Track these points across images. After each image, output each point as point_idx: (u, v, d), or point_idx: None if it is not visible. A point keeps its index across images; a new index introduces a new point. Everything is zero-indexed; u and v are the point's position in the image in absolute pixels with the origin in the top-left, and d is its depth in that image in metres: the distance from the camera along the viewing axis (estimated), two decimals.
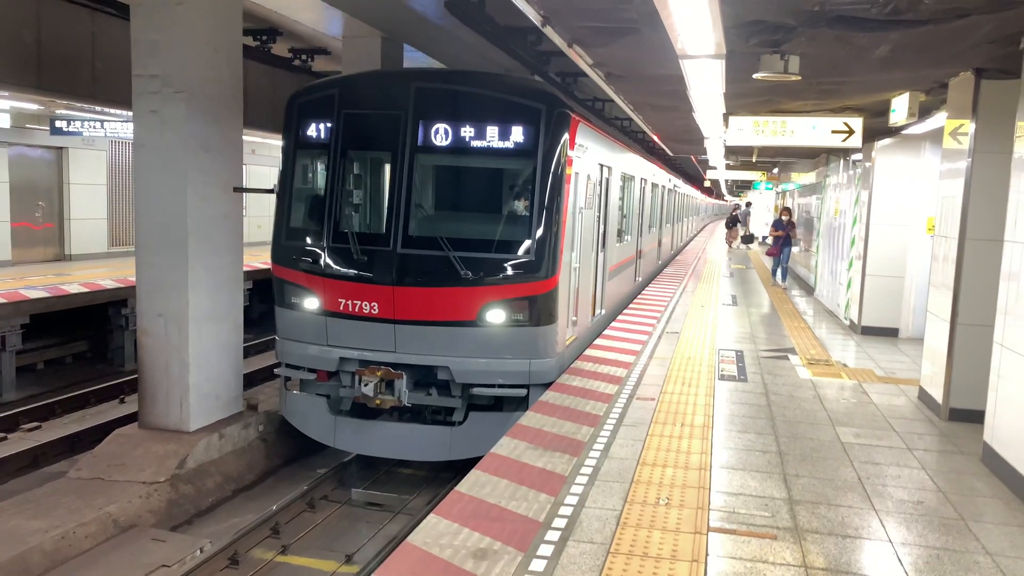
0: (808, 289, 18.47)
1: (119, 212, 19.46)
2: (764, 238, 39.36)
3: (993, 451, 6.07)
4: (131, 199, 15.41)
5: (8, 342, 11.99)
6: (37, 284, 13.64)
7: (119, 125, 15.97)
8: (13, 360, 12.23)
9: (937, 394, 7.71)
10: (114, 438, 8.26)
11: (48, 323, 13.26)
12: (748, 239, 35.91)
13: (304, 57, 14.54)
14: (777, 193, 31.16)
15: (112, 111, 14.86)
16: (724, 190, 55.90)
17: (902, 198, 11.93)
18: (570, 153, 8.30)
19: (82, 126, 16.10)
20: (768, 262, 22.07)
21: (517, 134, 7.99)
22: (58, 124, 16.15)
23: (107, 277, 14.86)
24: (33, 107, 15.32)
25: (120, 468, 7.74)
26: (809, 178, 20.78)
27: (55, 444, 9.68)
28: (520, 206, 8.21)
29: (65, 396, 11.57)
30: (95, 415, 11.08)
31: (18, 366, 12.43)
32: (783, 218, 19.20)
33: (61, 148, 17.88)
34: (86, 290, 13.38)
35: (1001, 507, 5.40)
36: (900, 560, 4.51)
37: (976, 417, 6.78)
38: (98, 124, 16.06)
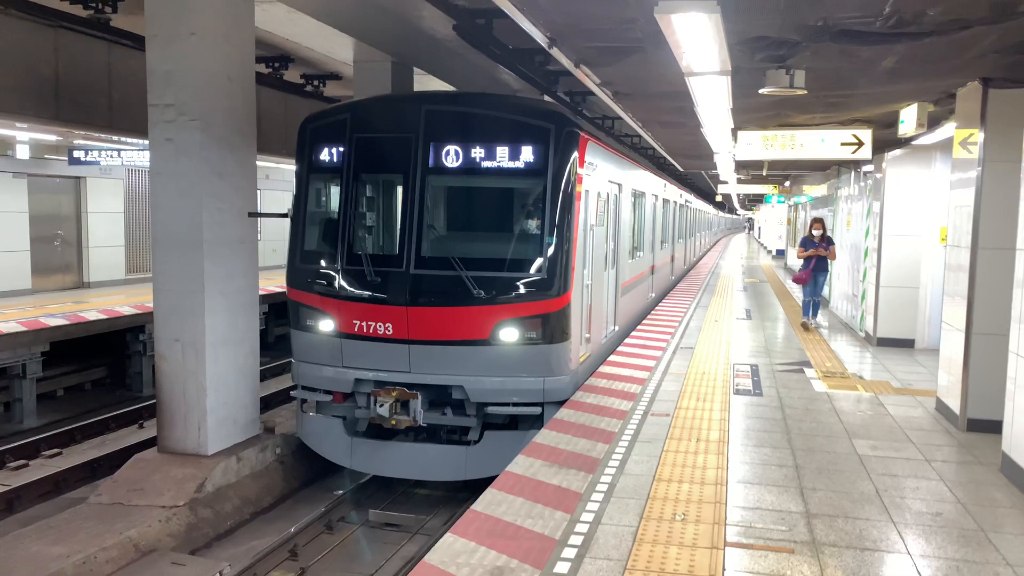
0: (823, 301, 18.38)
1: (136, 239, 19.71)
2: (778, 251, 39.22)
3: (1012, 461, 6.02)
4: (148, 226, 15.61)
5: (28, 370, 12.14)
6: (56, 311, 13.82)
7: (135, 154, 16.23)
8: (34, 387, 12.37)
9: (954, 405, 7.66)
10: (133, 463, 8.34)
11: (67, 350, 13.41)
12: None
13: (316, 83, 14.73)
14: (790, 206, 31.03)
15: (128, 140, 15.10)
16: (736, 204, 55.91)
17: (914, 208, 11.90)
18: (580, 171, 8.36)
19: (99, 155, 16.36)
20: (797, 293, 17.87)
21: (527, 154, 8.06)
22: (76, 154, 16.43)
23: (125, 303, 15.03)
24: (52, 138, 15.59)
25: (140, 493, 7.80)
26: (821, 190, 20.73)
27: (76, 470, 9.77)
28: (531, 225, 8.27)
29: (85, 422, 11.68)
30: (114, 440, 11.18)
31: (39, 393, 12.57)
32: (814, 232, 13.83)
33: (79, 177, 18.16)
34: (104, 316, 13.54)
35: (1021, 517, 5.36)
36: (920, 572, 4.49)
37: (994, 427, 6.73)
38: (115, 153, 16.32)
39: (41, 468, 9.95)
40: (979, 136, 7.24)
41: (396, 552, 7.47)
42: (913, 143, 11.31)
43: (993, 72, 7.05)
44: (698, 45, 5.57)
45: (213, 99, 8.24)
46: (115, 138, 14.99)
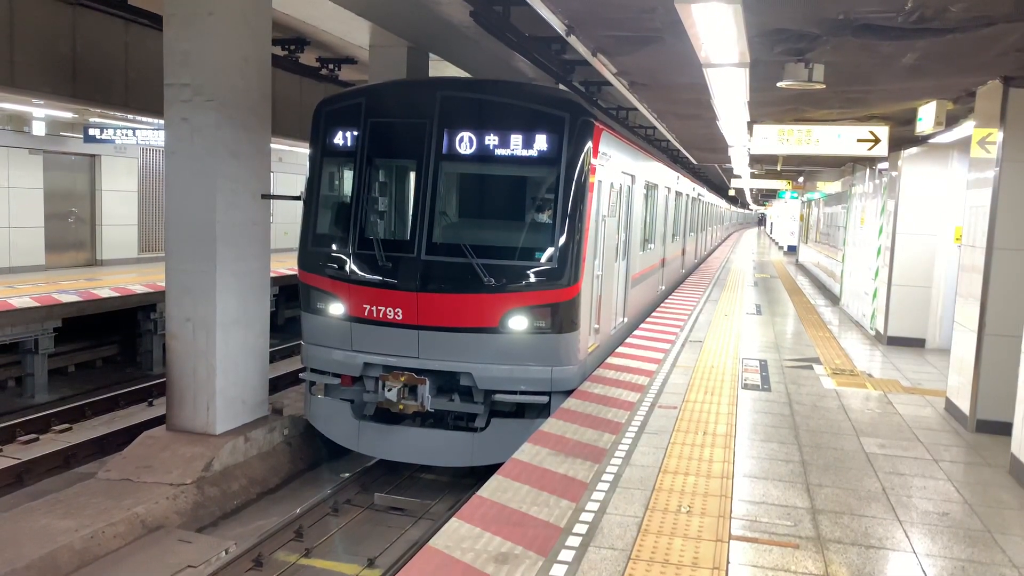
0: (833, 299, 18.32)
1: (149, 218, 19.80)
2: (790, 247, 39.02)
3: (1021, 463, 5.99)
4: (161, 205, 15.70)
5: (41, 345, 12.24)
6: (69, 288, 13.90)
7: (150, 133, 16.29)
8: (45, 363, 12.47)
9: (964, 405, 7.62)
10: (142, 440, 8.41)
11: (79, 327, 13.50)
12: None
13: (331, 66, 14.73)
14: (803, 202, 30.85)
15: (144, 119, 15.14)
16: (749, 199, 55.65)
17: (929, 207, 11.81)
18: (593, 161, 8.33)
19: (114, 134, 16.43)
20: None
21: (541, 142, 8.04)
22: (91, 132, 16.49)
23: (137, 282, 15.11)
24: (67, 115, 15.65)
25: (148, 470, 7.87)
26: (835, 187, 20.60)
27: (85, 445, 9.86)
28: (543, 214, 8.26)
29: (95, 399, 11.77)
30: (124, 417, 11.26)
31: (50, 369, 12.67)
32: None
33: (94, 155, 18.23)
34: (116, 294, 13.62)
35: None
36: (924, 571, 4.48)
37: (1004, 429, 6.69)
38: (130, 132, 16.38)
39: (51, 442, 10.04)
40: (998, 135, 7.17)
41: (401, 536, 7.52)
42: (930, 141, 11.22)
43: (1014, 71, 6.97)
44: (717, 36, 5.52)
45: (229, 80, 8.25)
46: (130, 117, 15.03)
